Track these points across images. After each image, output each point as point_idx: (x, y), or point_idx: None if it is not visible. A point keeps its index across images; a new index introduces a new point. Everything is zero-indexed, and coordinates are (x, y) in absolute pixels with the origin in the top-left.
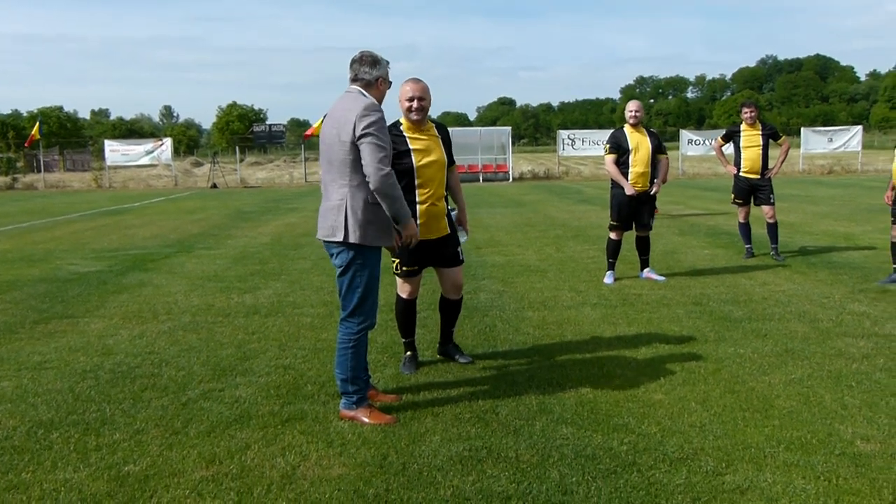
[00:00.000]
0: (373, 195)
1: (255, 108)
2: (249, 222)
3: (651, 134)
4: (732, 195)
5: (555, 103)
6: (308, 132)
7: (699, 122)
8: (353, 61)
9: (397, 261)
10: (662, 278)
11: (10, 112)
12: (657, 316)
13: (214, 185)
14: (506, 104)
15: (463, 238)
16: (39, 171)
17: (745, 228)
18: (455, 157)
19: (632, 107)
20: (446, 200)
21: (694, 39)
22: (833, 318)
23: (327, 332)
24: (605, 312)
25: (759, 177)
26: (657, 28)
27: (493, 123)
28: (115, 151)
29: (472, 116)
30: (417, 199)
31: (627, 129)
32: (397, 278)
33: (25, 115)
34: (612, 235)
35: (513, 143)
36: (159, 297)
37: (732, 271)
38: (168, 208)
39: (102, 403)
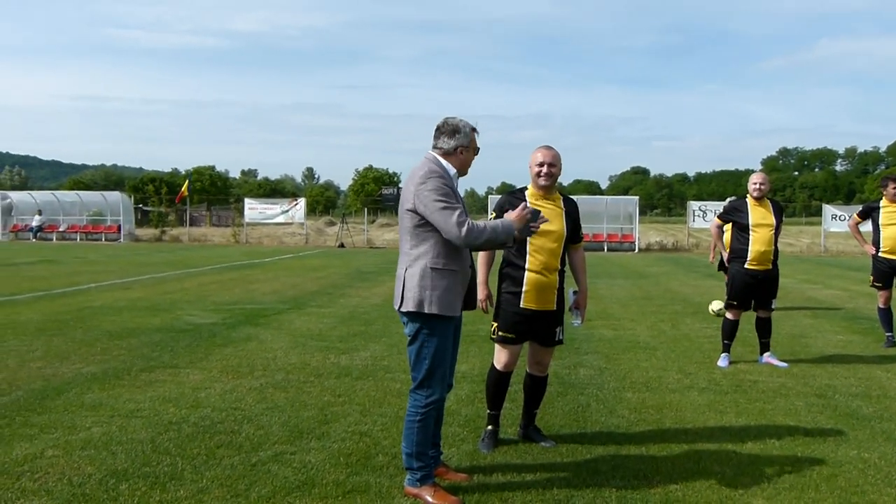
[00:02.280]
0: (434, 261)
1: (390, 171)
2: (366, 282)
3: (776, 208)
4: (871, 277)
5: (690, 174)
6: None
7: (848, 196)
8: (437, 128)
9: (495, 324)
10: (784, 364)
11: (169, 170)
12: (771, 407)
13: (342, 245)
14: (639, 173)
15: (576, 322)
16: (187, 225)
17: (886, 314)
18: (581, 225)
19: (756, 179)
20: (561, 277)
21: (840, 110)
22: None
23: None
24: (712, 399)
25: None
26: (799, 98)
27: (626, 193)
28: (254, 209)
29: (604, 185)
30: (527, 266)
31: (750, 201)
32: (496, 346)
33: (183, 173)
34: (729, 315)
35: (645, 214)
36: (260, 353)
37: (867, 361)
38: (293, 265)
39: (176, 457)
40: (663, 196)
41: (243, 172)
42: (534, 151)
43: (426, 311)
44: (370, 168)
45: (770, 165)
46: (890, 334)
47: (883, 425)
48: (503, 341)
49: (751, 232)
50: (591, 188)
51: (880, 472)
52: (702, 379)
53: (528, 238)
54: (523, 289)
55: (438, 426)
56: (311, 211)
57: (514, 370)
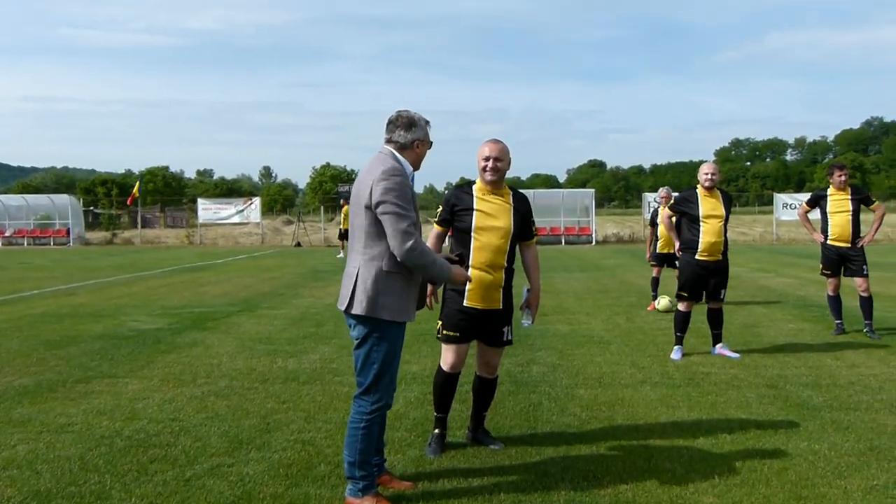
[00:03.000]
0: (389, 264)
1: (348, 168)
2: (320, 282)
3: (726, 198)
4: (821, 265)
5: (646, 166)
6: None
7: (799, 185)
8: (390, 122)
9: (440, 323)
10: (736, 355)
11: (122, 172)
12: (723, 400)
13: (298, 244)
14: (596, 166)
15: (526, 322)
16: (139, 227)
17: (836, 302)
18: (538, 219)
19: (707, 169)
20: (508, 275)
21: (792, 101)
22: None
23: None
24: (665, 393)
25: (849, 245)
26: (751, 90)
27: (583, 185)
28: (208, 210)
29: (562, 178)
30: (471, 262)
31: (700, 192)
32: (441, 346)
33: (136, 174)
34: (681, 307)
35: (602, 206)
36: (205, 359)
37: (818, 350)
38: (247, 266)
39: (105, 474)
40: (620, 188)
41: (199, 172)
42: (481, 146)
43: (379, 315)
44: (328, 166)
45: (723, 156)
46: (839, 322)
47: (832, 415)
48: (448, 340)
49: (701, 223)
50: (550, 182)
51: (830, 464)
52: (655, 373)
53: (472, 234)
54: (466, 286)
55: (382, 432)
56: (269, 210)
57: (461, 370)
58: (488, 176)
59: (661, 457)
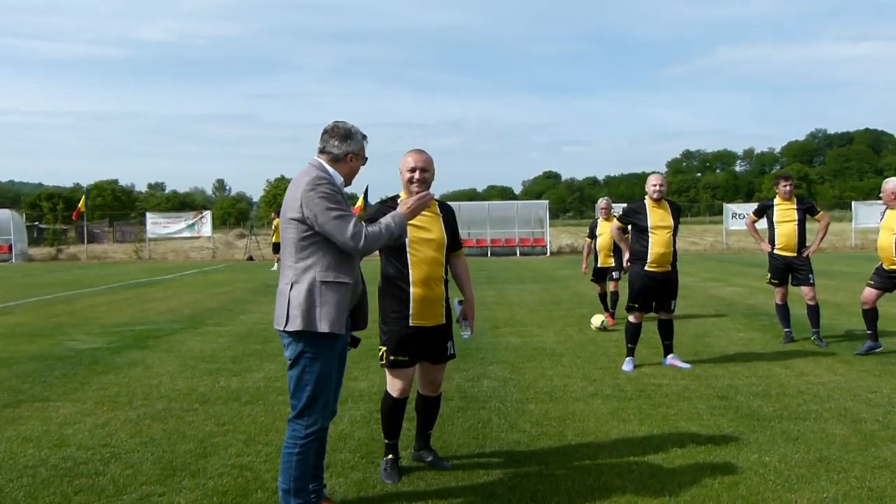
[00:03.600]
0: (323, 274)
1: None
2: (270, 296)
3: (674, 209)
4: (768, 274)
5: (600, 177)
6: None
7: (748, 195)
8: (325, 131)
9: (383, 349)
10: (687, 366)
11: (71, 185)
12: (674, 412)
13: (251, 258)
14: (551, 178)
15: (465, 335)
16: (85, 242)
17: (784, 310)
18: (492, 231)
19: (655, 181)
20: (446, 287)
21: (741, 114)
22: (879, 419)
23: None
24: (616, 406)
25: (794, 254)
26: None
27: (538, 197)
28: (157, 224)
29: (518, 190)
30: (411, 280)
31: (649, 203)
32: (386, 372)
33: (84, 188)
34: (631, 318)
35: (557, 217)
36: (144, 380)
37: (767, 358)
38: (196, 281)
39: None
40: (575, 199)
41: (150, 186)
42: (404, 156)
43: (316, 328)
44: (282, 178)
45: (675, 167)
46: (788, 330)
47: (783, 425)
48: (396, 365)
49: (650, 234)
50: (506, 193)
51: (780, 477)
52: (606, 385)
53: (408, 249)
54: (410, 306)
55: (320, 457)
56: (222, 223)
57: (409, 394)
58: (415, 188)
59: (612, 474)
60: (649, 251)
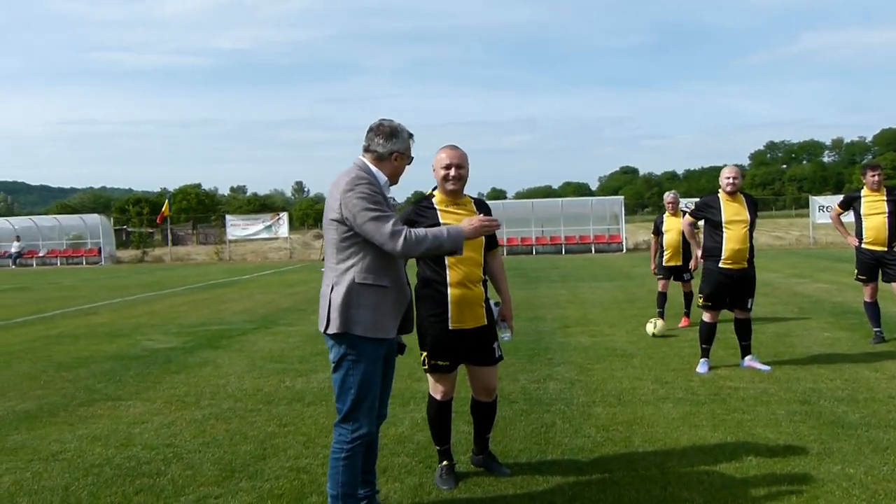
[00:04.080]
0: (363, 276)
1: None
2: None
3: (750, 203)
4: (856, 270)
5: (679, 171)
6: None
7: (837, 187)
8: (370, 129)
9: (424, 354)
10: (767, 368)
11: (158, 190)
12: (751, 417)
13: (325, 259)
14: (628, 173)
15: (505, 336)
16: (169, 245)
17: (873, 308)
18: (567, 228)
19: (728, 173)
20: (485, 287)
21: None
22: None
23: None
24: (688, 411)
25: (885, 249)
26: (784, 92)
27: (615, 193)
28: (236, 226)
29: (594, 186)
30: (448, 281)
31: (723, 197)
32: (428, 376)
33: (169, 192)
34: (706, 317)
35: (635, 213)
36: (213, 379)
37: (854, 360)
38: (272, 281)
39: None
40: (653, 194)
41: (232, 189)
42: (438, 152)
43: (352, 331)
44: None
45: (758, 159)
46: (878, 329)
47: (870, 433)
48: (437, 370)
49: (724, 229)
50: (581, 190)
51: (866, 491)
52: (678, 388)
53: None
54: (449, 308)
55: (371, 462)
56: (301, 224)
57: (454, 395)
58: (450, 185)
59: (679, 484)
60: (724, 247)
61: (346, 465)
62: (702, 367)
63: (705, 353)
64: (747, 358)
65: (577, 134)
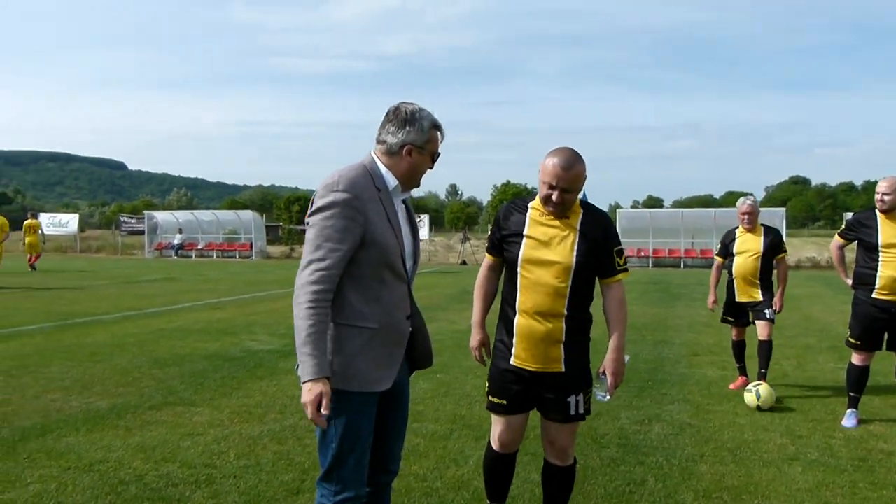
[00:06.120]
0: (341, 314)
1: (529, 185)
2: (463, 304)
3: None
4: None
5: (858, 182)
6: None
7: None
8: (385, 115)
9: (487, 385)
10: None
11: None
12: None
13: (464, 262)
14: (798, 183)
15: (600, 396)
16: None
17: None
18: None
19: (880, 188)
20: (572, 325)
21: None
22: None
23: (438, 452)
24: (821, 479)
25: None
26: None
27: (783, 204)
28: None
29: (760, 196)
30: (518, 306)
31: (881, 216)
32: (492, 416)
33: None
34: (855, 359)
35: (805, 227)
36: (290, 390)
37: None
38: None
39: None
40: (826, 207)
41: None
42: (548, 157)
43: (330, 384)
44: (508, 184)
45: None
46: None
47: None
48: (493, 409)
49: (880, 253)
50: None
51: None
52: (813, 446)
53: (518, 268)
54: (514, 339)
55: None
56: (451, 227)
57: (517, 450)
58: (549, 208)
59: None
60: (878, 274)
61: None
62: (849, 420)
63: (853, 403)
64: None
65: (743, 140)
